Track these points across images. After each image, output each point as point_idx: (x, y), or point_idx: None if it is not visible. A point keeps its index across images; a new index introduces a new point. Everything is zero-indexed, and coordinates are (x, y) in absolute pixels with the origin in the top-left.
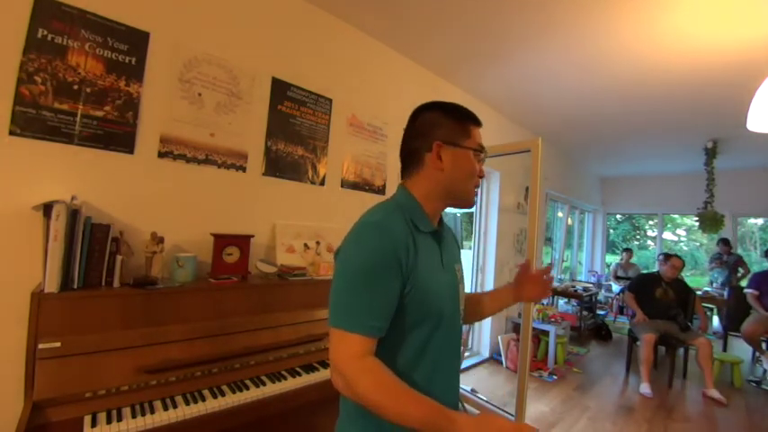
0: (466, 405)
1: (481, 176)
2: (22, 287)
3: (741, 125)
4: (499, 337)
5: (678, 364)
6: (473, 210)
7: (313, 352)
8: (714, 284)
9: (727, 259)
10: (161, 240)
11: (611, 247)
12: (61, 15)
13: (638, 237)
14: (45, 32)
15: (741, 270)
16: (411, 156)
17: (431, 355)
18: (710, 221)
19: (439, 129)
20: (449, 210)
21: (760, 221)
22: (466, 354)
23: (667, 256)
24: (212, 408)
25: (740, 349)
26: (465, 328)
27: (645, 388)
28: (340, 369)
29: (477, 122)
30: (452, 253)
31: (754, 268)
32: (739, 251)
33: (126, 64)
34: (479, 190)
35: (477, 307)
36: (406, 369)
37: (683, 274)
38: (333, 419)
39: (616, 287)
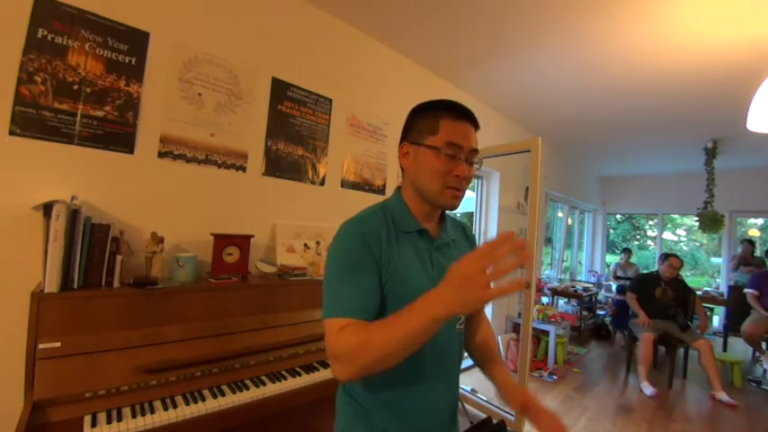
0: (466, 405)
1: (457, 175)
2: (22, 287)
3: (741, 125)
4: (499, 337)
5: (678, 364)
6: (473, 210)
7: (313, 352)
8: (714, 285)
9: (753, 261)
10: (161, 240)
11: (611, 247)
12: (61, 15)
13: (638, 237)
14: (45, 32)
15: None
16: (399, 159)
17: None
18: (710, 221)
19: (411, 129)
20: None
21: (760, 221)
22: (465, 354)
23: (666, 256)
24: (212, 408)
25: (740, 349)
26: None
27: (646, 387)
28: (332, 350)
29: (454, 115)
30: (459, 254)
31: None
32: (738, 250)
33: (126, 64)
34: (477, 190)
35: (473, 337)
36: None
37: (684, 273)
38: (332, 419)
39: (616, 287)
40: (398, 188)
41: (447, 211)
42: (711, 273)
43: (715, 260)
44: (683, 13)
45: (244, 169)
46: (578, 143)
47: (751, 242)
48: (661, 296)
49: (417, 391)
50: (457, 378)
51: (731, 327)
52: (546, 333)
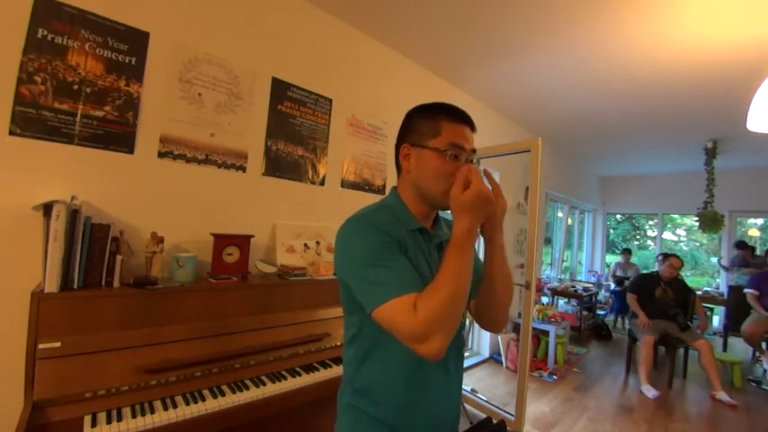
0: (466, 405)
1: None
2: (22, 287)
3: (741, 125)
4: (499, 337)
5: (678, 364)
6: None
7: (313, 352)
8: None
9: (754, 261)
10: (161, 240)
11: (611, 247)
12: (61, 15)
13: (638, 237)
14: (45, 32)
15: None
16: (395, 160)
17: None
18: (710, 221)
19: (410, 131)
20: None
21: (760, 221)
22: (465, 353)
23: (666, 256)
24: (212, 408)
25: (740, 349)
26: (465, 327)
27: (648, 390)
28: (414, 330)
29: (454, 118)
30: None
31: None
32: (735, 253)
33: (126, 64)
34: None
35: (487, 290)
36: (392, 370)
37: (684, 274)
38: (333, 419)
39: (614, 282)
40: (395, 188)
41: (441, 212)
42: (711, 273)
43: (715, 260)
44: (683, 13)
45: (244, 169)
46: (578, 143)
47: (745, 244)
48: (661, 296)
49: (423, 390)
50: (460, 376)
51: (731, 327)
52: (546, 333)
